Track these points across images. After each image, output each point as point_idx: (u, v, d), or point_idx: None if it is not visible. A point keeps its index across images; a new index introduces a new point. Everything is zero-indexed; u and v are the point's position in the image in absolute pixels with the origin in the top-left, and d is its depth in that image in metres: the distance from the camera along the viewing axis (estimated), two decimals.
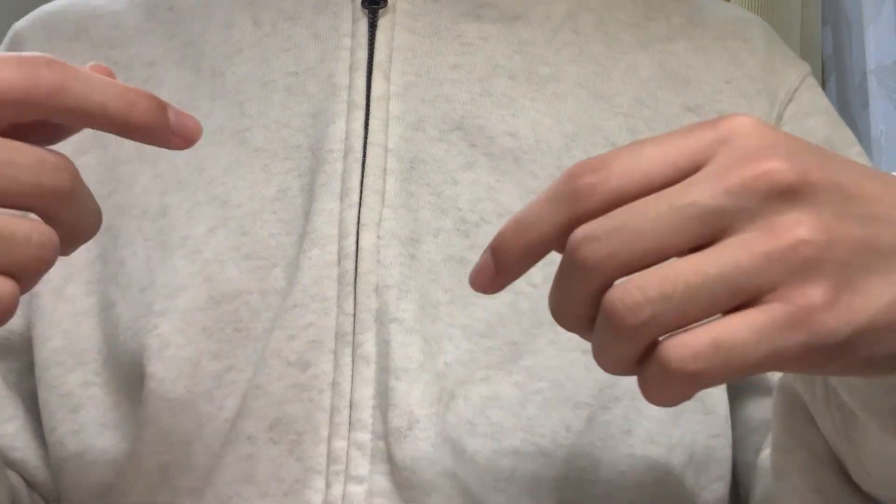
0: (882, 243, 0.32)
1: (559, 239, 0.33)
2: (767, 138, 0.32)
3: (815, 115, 0.63)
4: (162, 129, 0.37)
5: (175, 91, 0.59)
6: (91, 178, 0.58)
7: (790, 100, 0.63)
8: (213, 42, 0.59)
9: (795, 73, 0.64)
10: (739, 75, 0.62)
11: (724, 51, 0.62)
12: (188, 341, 0.52)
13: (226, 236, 0.54)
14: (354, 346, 0.51)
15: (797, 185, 0.31)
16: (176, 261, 0.54)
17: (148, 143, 0.38)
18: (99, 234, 0.56)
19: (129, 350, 0.54)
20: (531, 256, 0.34)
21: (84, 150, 0.59)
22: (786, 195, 0.31)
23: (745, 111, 0.61)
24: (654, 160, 0.32)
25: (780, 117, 0.62)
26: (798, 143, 0.33)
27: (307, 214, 0.53)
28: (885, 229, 0.32)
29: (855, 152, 0.63)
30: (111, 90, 0.36)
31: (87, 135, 0.58)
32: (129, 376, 0.54)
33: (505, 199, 0.54)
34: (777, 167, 0.31)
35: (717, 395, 0.56)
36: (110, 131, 0.36)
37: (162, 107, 0.37)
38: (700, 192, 0.31)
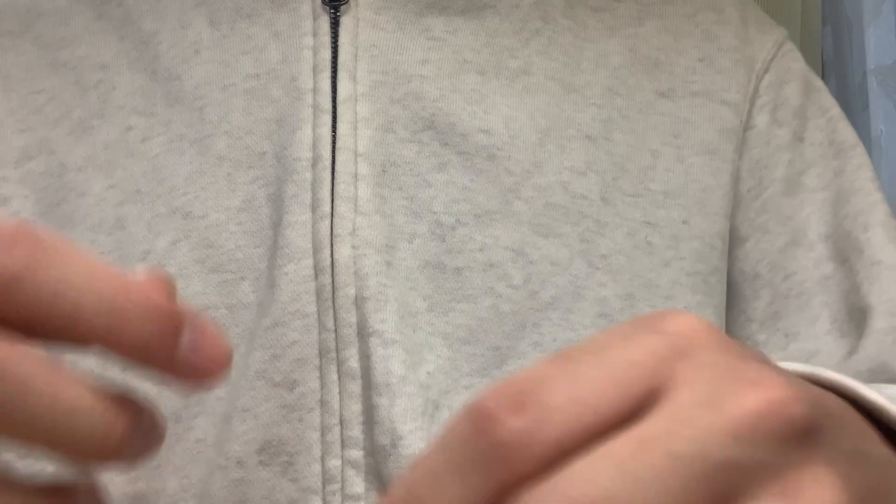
0: (888, 488, 0.25)
1: None
2: (732, 350, 0.24)
3: (790, 83, 0.61)
4: (163, 357, 0.25)
5: (129, 96, 0.56)
6: (37, 186, 0.55)
7: (766, 70, 0.61)
8: (167, 43, 0.56)
9: (771, 41, 0.62)
10: (713, 51, 0.60)
11: (695, 27, 0.60)
12: None
13: (189, 249, 0.52)
14: (339, 363, 0.50)
15: (810, 421, 0.22)
16: None
17: (144, 368, 0.26)
18: None
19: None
20: None
21: (29, 157, 0.56)
22: (798, 437, 0.22)
23: (721, 88, 0.59)
24: (600, 387, 0.22)
25: (756, 90, 0.60)
26: (755, 352, 0.26)
27: (276, 226, 0.51)
28: (886, 471, 0.26)
29: (825, 119, 0.61)
30: (95, 282, 0.25)
31: (34, 138, 0.56)
32: None
33: (481, 200, 0.52)
34: (781, 396, 0.22)
35: None
36: (91, 343, 0.25)
37: (173, 325, 0.25)
38: (703, 439, 0.21)
